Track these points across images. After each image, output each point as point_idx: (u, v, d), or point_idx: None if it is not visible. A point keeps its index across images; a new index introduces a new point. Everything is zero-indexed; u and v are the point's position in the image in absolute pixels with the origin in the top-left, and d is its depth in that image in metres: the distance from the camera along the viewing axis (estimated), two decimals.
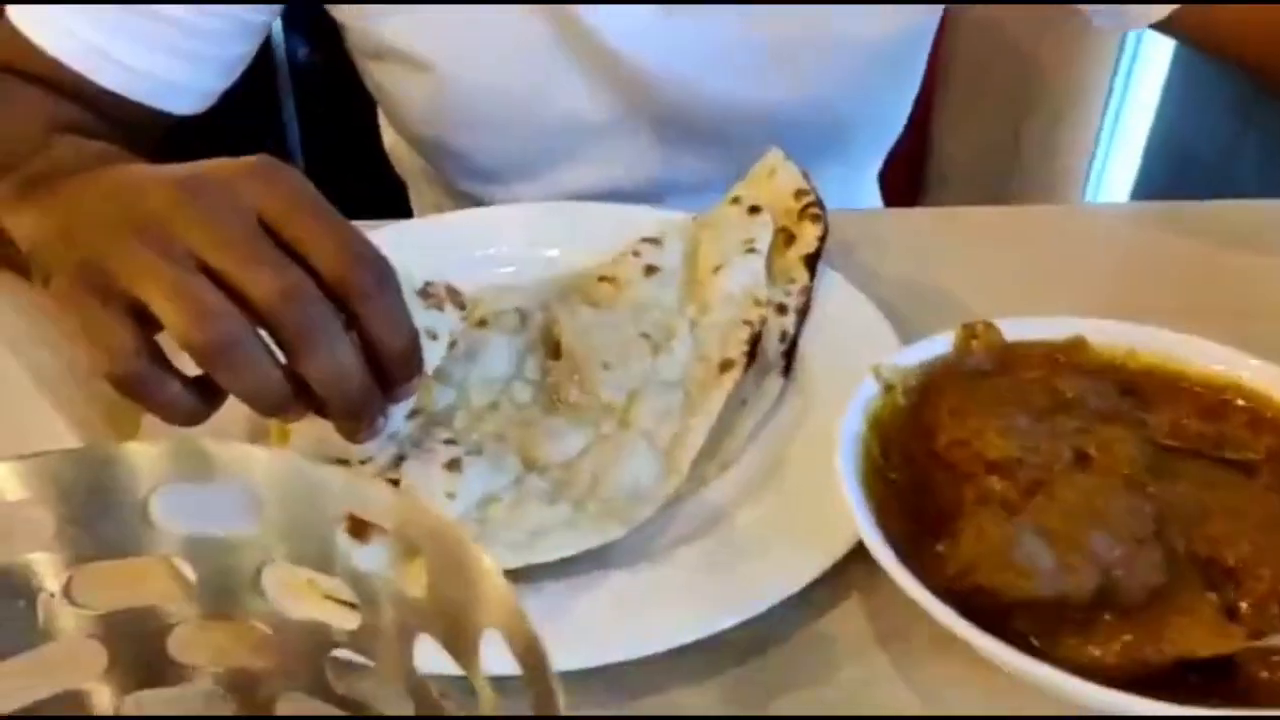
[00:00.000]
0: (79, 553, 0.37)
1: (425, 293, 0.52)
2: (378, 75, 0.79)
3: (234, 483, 0.36)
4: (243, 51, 0.73)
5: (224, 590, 0.38)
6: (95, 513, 0.37)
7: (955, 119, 1.19)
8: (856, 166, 0.90)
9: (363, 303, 0.43)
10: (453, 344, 0.52)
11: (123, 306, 0.42)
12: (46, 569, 0.37)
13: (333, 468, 0.35)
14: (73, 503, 0.36)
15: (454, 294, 0.53)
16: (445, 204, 0.86)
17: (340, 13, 0.77)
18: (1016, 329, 0.51)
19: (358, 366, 0.43)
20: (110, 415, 0.54)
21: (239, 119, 0.80)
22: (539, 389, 0.55)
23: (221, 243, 0.42)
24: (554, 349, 0.57)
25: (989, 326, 0.51)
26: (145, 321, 0.43)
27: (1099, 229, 0.76)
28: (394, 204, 0.93)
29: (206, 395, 0.44)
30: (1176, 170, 1.54)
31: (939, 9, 0.80)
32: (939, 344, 0.51)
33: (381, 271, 0.44)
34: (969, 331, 0.51)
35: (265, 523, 0.36)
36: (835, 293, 0.61)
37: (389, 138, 0.87)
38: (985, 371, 0.50)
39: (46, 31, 0.67)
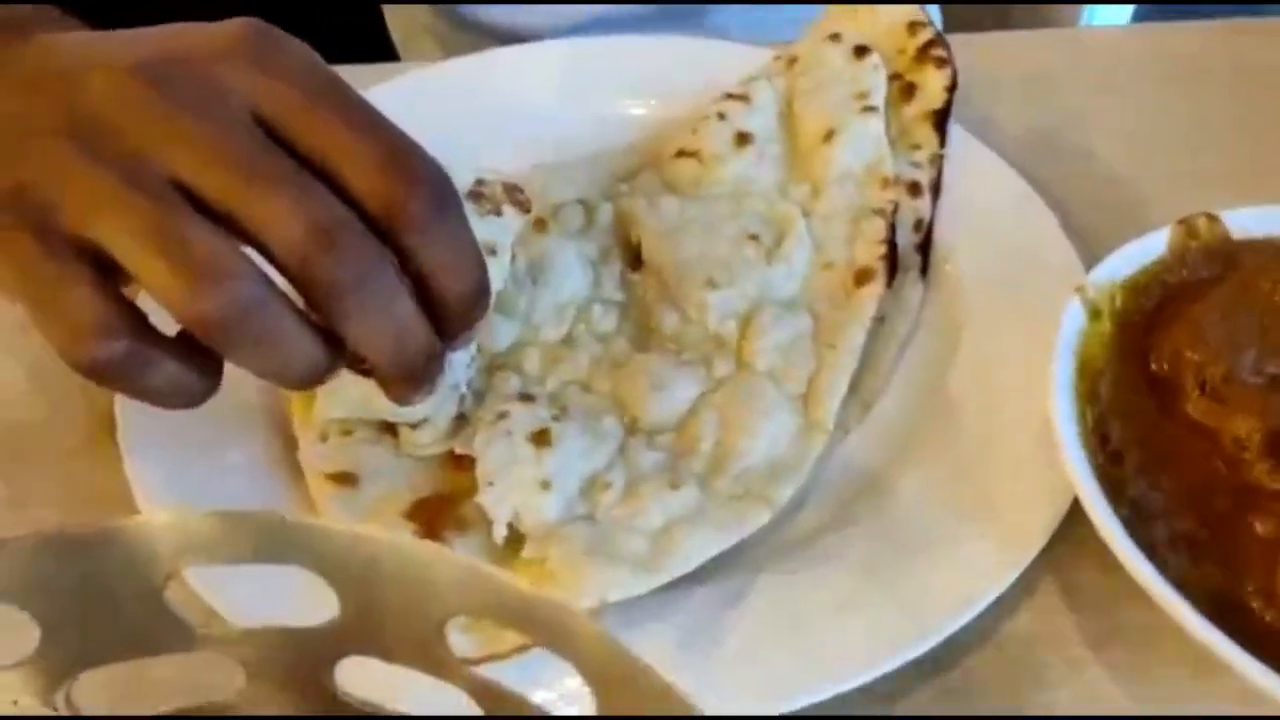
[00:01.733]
0: (72, 661, 0.26)
1: (477, 194, 0.40)
2: None
3: (288, 566, 0.25)
4: None
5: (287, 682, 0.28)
6: (94, 610, 0.26)
7: None
8: None
9: (418, 232, 0.31)
10: (512, 258, 0.40)
11: (76, 255, 0.29)
12: (29, 685, 0.26)
13: (439, 551, 0.24)
14: (62, 601, 0.25)
15: (513, 192, 0.41)
16: (436, 29, 0.70)
17: None
18: (1245, 221, 0.40)
19: (418, 320, 0.32)
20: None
21: None
22: (623, 313, 0.43)
23: (213, 160, 0.29)
24: (633, 256, 0.45)
25: (1212, 220, 0.40)
26: (106, 270, 0.30)
27: None
28: (363, 36, 0.76)
29: (205, 365, 0.32)
30: None
31: None
32: (1150, 246, 0.39)
33: (441, 187, 0.31)
34: (1187, 229, 0.39)
35: (342, 618, 0.26)
36: (967, 159, 0.49)
37: None
38: (1210, 280, 0.39)
39: None
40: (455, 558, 0.25)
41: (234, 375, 0.33)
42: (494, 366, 0.41)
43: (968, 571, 0.35)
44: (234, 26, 0.32)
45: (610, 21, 0.65)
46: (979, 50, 0.52)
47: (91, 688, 0.26)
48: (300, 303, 0.31)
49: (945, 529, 0.37)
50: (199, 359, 0.32)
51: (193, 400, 0.33)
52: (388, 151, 0.31)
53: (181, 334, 0.31)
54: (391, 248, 0.31)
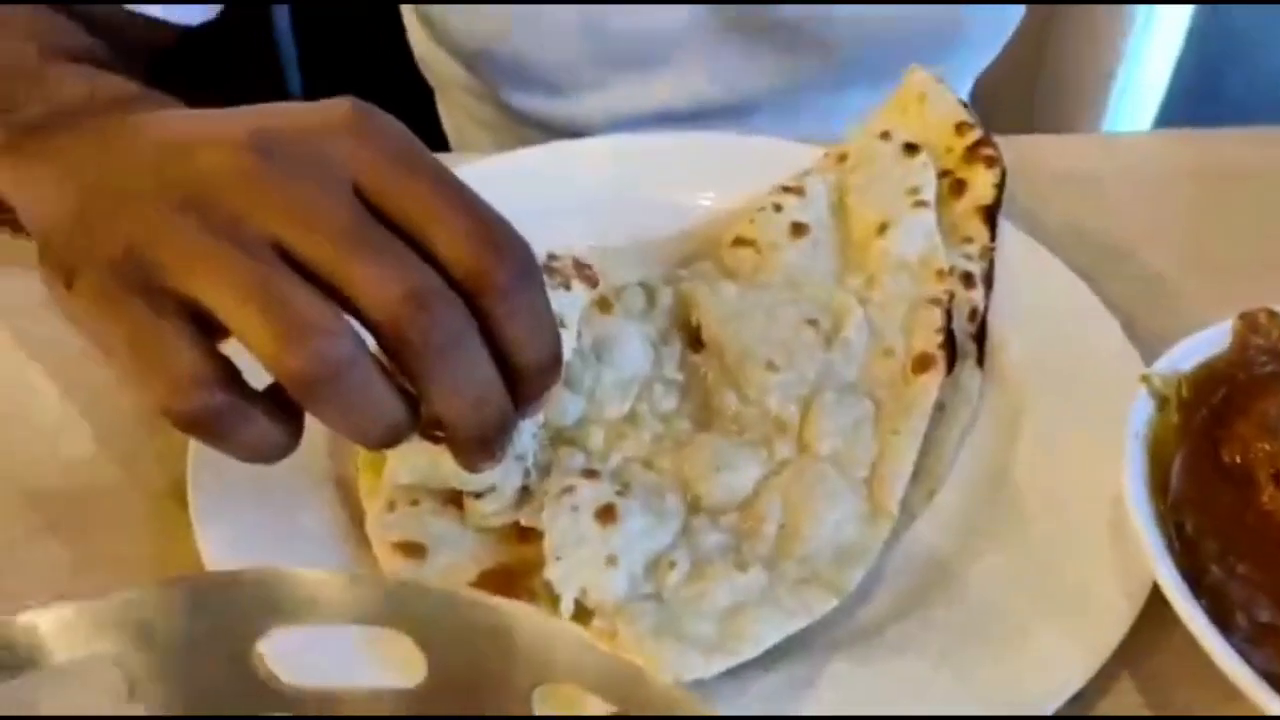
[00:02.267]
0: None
1: (549, 268, 0.40)
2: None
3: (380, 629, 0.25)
4: None
5: None
6: (185, 664, 0.26)
7: None
8: (958, 76, 0.77)
9: (501, 300, 0.31)
10: (578, 334, 0.41)
11: (178, 312, 0.30)
12: None
13: (537, 616, 0.24)
14: (155, 653, 0.25)
15: (582, 269, 0.41)
16: (488, 120, 0.72)
17: None
18: None
19: (497, 386, 0.32)
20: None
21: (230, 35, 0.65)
22: (683, 393, 0.44)
23: (313, 225, 0.30)
24: (693, 338, 0.45)
25: (1273, 316, 0.40)
26: (205, 328, 0.31)
27: None
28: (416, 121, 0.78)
29: (291, 421, 0.32)
30: None
31: None
32: (1213, 338, 0.40)
33: (525, 259, 0.32)
34: (1248, 323, 0.40)
35: (429, 681, 0.25)
36: (1017, 252, 0.50)
37: (420, 45, 0.72)
38: (1275, 375, 0.39)
39: None
40: (556, 624, 0.24)
41: (304, 444, 0.33)
42: (558, 441, 0.41)
43: (1046, 665, 0.35)
44: (336, 103, 0.33)
45: (659, 119, 0.67)
46: (1017, 150, 0.53)
47: None
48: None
49: (1019, 618, 0.36)
50: (285, 415, 0.32)
51: (275, 455, 0.33)
52: (477, 223, 0.32)
53: (270, 389, 0.31)
54: (475, 314, 0.32)
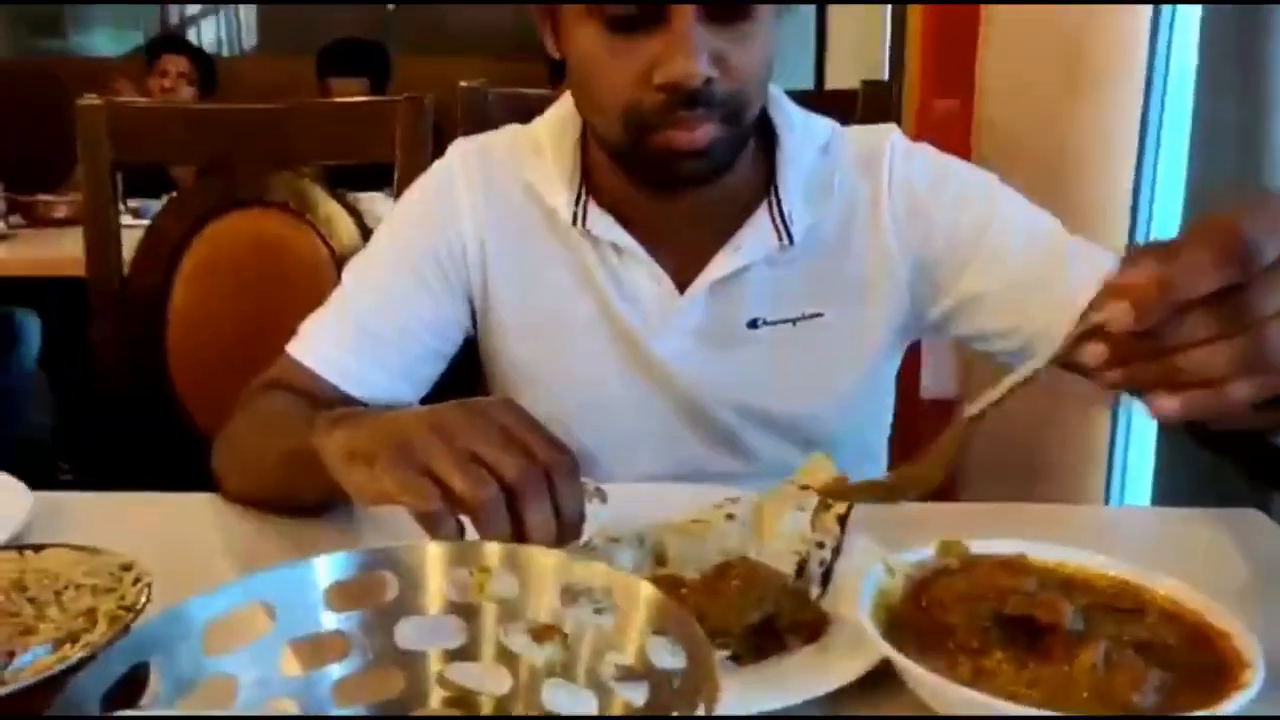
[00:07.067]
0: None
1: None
2: (502, 394, 1.12)
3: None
4: (431, 374, 1.08)
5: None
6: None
7: None
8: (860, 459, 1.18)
9: (560, 479, 0.70)
10: (588, 542, 0.78)
11: (425, 473, 0.70)
12: None
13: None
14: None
15: (600, 493, 0.80)
16: None
17: (487, 339, 1.12)
18: (978, 546, 0.75)
19: (552, 520, 0.70)
20: None
21: None
22: None
23: (486, 442, 0.71)
24: (661, 560, 0.82)
25: (959, 542, 0.76)
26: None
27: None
28: None
29: (461, 527, 0.71)
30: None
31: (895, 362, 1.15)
32: (925, 551, 0.75)
33: (572, 463, 0.72)
34: (945, 545, 0.75)
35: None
36: (858, 540, 0.86)
37: None
38: (954, 569, 0.74)
39: (314, 358, 1.02)
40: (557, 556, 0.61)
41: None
42: None
43: (819, 674, 0.67)
44: (492, 399, 0.76)
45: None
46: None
47: None
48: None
49: (818, 667, 0.69)
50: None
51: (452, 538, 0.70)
52: (550, 443, 0.73)
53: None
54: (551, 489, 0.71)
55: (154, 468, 1.57)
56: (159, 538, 0.82)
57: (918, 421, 2.72)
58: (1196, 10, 1.67)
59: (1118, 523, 1.12)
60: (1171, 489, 1.84)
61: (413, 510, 0.70)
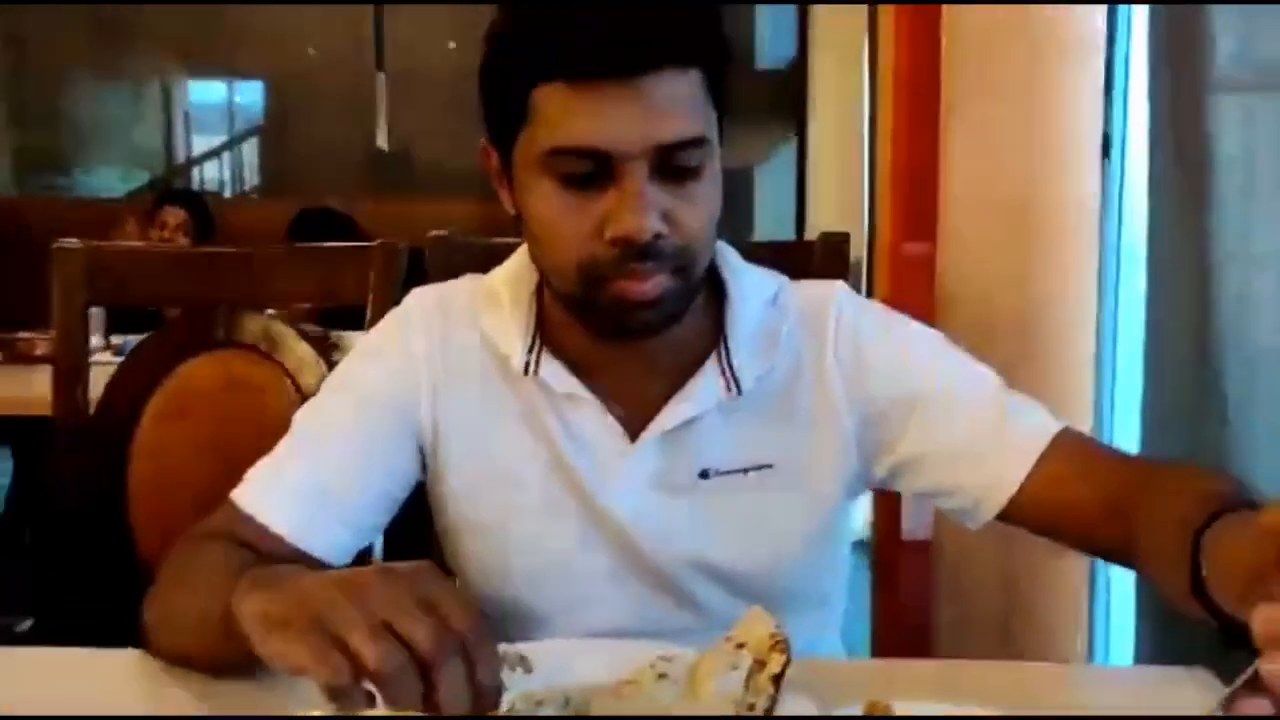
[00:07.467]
0: None
1: (503, 651, 0.78)
2: (452, 543, 1.13)
3: None
4: (379, 522, 1.08)
5: None
6: None
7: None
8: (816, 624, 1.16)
9: (475, 648, 0.70)
10: (511, 707, 0.77)
11: (337, 642, 0.69)
12: None
13: None
14: None
15: (523, 661, 0.79)
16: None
17: (436, 489, 1.12)
18: (903, 707, 0.74)
19: (466, 689, 0.69)
20: None
21: None
22: None
23: (399, 610, 0.71)
24: None
25: (883, 703, 0.75)
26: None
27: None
28: None
29: (372, 696, 0.70)
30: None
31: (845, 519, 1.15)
32: (855, 709, 0.74)
33: (488, 631, 0.72)
34: (872, 704, 0.74)
35: None
36: (793, 700, 0.85)
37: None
38: None
39: (258, 506, 1.02)
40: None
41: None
42: None
43: None
44: (412, 564, 0.75)
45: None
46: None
47: None
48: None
49: None
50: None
51: (359, 709, 0.69)
52: (468, 610, 0.72)
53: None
54: (466, 659, 0.70)
55: (111, 611, 1.54)
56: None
57: (897, 561, 2.70)
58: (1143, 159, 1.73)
59: (1080, 682, 1.10)
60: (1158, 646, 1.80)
61: (319, 682, 0.69)
